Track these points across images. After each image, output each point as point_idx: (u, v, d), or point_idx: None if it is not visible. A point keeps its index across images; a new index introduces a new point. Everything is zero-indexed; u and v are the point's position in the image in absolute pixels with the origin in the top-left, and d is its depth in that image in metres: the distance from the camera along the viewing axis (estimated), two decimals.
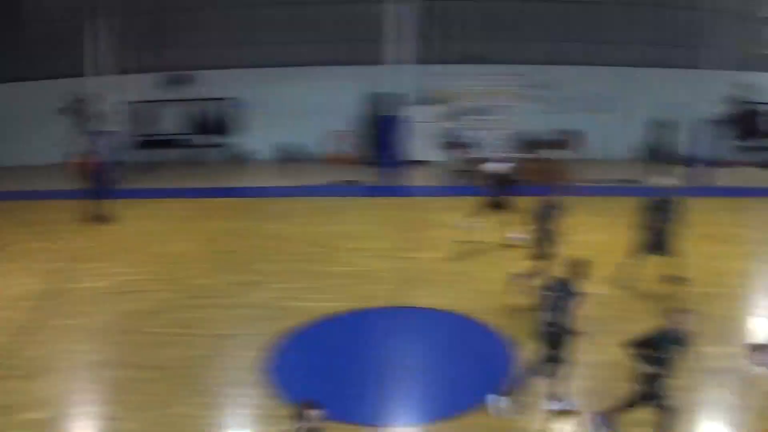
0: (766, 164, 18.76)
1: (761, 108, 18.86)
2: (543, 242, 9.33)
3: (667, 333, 6.01)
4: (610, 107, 18.79)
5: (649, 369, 6.06)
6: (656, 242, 9.81)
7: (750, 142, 19.13)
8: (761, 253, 12.11)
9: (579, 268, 6.80)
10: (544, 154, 17.18)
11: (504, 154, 13.63)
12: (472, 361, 8.14)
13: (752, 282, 10.99)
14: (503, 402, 6.96)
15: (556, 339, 6.74)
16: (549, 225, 9.35)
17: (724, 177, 17.66)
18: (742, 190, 16.63)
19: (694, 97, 17.07)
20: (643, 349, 6.08)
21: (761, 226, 13.83)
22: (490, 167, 12.13)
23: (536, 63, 18.83)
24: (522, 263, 9.52)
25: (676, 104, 17.68)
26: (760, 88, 18.81)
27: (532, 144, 17.90)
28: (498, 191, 11.70)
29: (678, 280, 9.80)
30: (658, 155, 16.74)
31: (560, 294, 6.72)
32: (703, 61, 17.29)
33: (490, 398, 7.03)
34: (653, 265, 9.87)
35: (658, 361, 6.02)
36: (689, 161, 17.86)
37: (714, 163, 18.31)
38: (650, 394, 6.12)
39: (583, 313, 6.89)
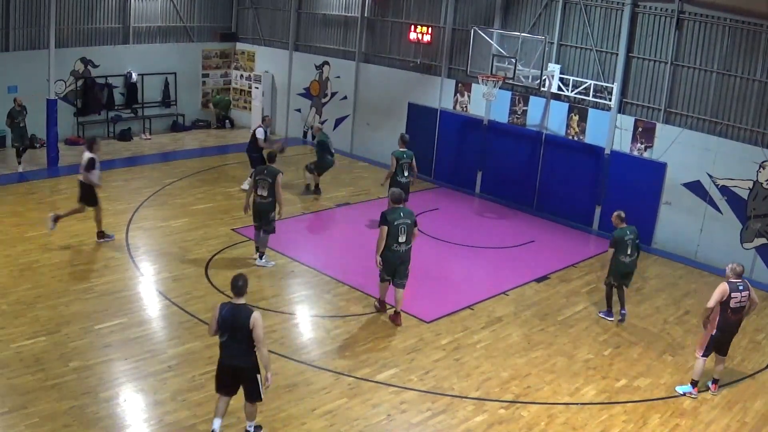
0: (123, 136, 20.53)
1: (103, 81, 20.28)
2: None
3: None
4: None
5: None
6: None
7: (97, 117, 20.46)
8: (122, 223, 13.68)
9: None
10: None
11: None
12: None
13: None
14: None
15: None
16: None
17: (78, 154, 18.67)
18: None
19: (38, 77, 17.28)
20: None
21: (120, 196, 15.40)
22: None
23: None
24: None
25: (23, 86, 17.67)
26: (101, 61, 20.19)
27: None
28: None
29: None
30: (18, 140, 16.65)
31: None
32: (46, 40, 17.55)
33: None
34: None
35: None
36: (35, 143, 18.31)
37: (67, 141, 19.14)
38: None
39: None
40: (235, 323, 7.00)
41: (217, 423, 7.36)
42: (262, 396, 7.33)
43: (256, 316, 7.01)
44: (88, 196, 12.49)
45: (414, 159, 14.12)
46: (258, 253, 12.29)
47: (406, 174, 13.89)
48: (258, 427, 7.64)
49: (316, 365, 9.24)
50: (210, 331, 7.24)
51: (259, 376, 7.22)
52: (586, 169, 15.86)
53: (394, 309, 10.65)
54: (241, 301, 7.15)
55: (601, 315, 11.47)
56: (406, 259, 10.40)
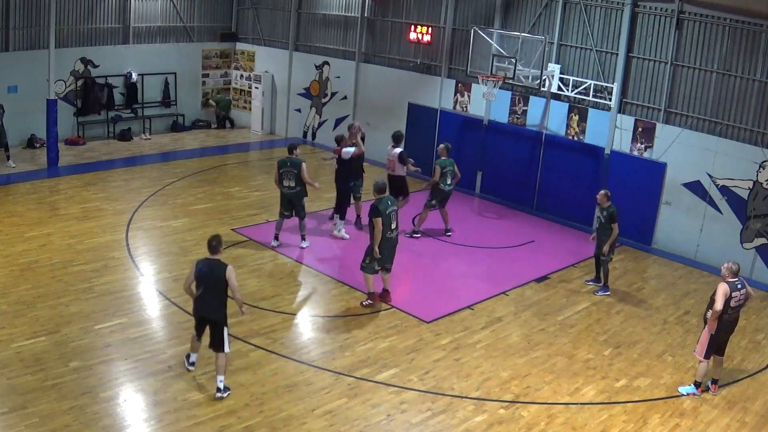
0: (123, 136, 20.52)
1: (103, 81, 20.26)
2: None
3: None
4: None
5: None
6: None
7: (97, 117, 20.45)
8: (122, 223, 13.66)
9: None
10: None
11: None
12: None
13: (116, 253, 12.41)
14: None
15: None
16: None
17: (78, 154, 18.72)
18: (98, 164, 17.96)
19: (38, 77, 17.27)
20: None
21: (120, 196, 15.40)
22: None
23: None
24: None
25: (23, 86, 17.66)
26: (101, 61, 20.18)
27: None
28: None
29: None
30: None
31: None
32: (46, 40, 17.52)
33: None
34: None
35: None
36: (33, 143, 18.33)
37: (67, 141, 19.14)
38: None
39: None
40: (211, 276, 7.96)
41: (193, 357, 8.62)
42: (226, 348, 8.13)
43: (230, 269, 8.00)
44: (399, 187, 14.25)
45: (455, 165, 14.18)
46: (300, 237, 13.28)
47: (449, 182, 14.03)
48: (226, 388, 8.22)
49: (316, 365, 9.24)
50: (185, 284, 8.17)
51: (225, 328, 8.12)
52: (586, 169, 15.86)
53: (383, 288, 11.18)
54: (216, 257, 8.06)
55: (602, 294, 12.18)
56: (395, 245, 11.03)
